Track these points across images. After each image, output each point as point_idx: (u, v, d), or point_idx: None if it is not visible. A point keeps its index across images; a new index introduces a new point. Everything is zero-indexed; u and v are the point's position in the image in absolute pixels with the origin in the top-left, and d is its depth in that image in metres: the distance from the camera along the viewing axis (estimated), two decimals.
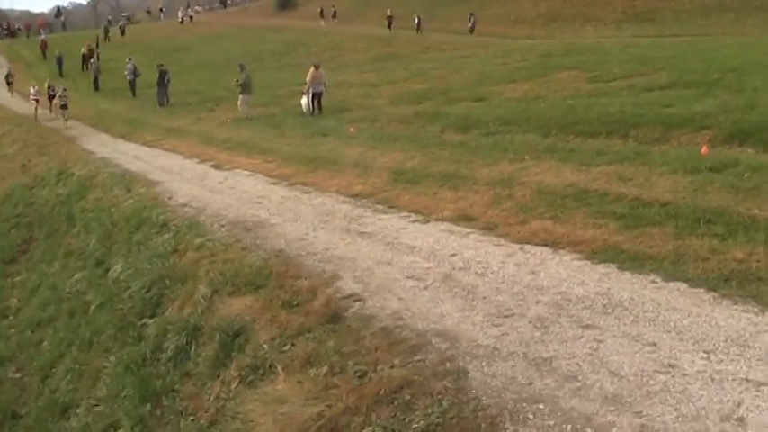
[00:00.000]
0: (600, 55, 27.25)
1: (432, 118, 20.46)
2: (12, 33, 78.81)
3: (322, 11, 62.95)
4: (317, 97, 25.53)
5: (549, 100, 20.10)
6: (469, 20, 51.07)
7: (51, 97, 33.70)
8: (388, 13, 55.59)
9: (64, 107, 30.95)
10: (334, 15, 61.39)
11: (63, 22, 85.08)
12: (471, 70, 29.50)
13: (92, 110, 33.20)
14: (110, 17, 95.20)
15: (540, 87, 22.50)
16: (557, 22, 50.67)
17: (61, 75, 48.51)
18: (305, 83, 25.81)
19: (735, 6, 44.34)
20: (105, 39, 61.88)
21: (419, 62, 35.49)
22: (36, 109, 33.88)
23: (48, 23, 79.83)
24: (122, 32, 68.18)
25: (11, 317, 14.66)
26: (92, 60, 48.02)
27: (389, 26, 54.56)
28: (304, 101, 25.76)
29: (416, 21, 52.57)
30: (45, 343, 12.44)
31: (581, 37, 42.15)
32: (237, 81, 26.88)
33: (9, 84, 43.80)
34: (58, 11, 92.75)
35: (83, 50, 50.98)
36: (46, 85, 35.11)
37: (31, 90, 34.92)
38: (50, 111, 33.67)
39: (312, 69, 25.55)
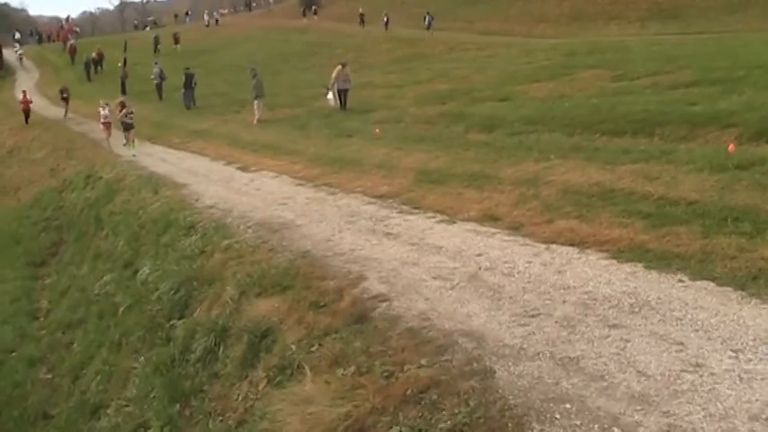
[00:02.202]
0: (624, 53, 27.10)
1: (456, 118, 20.47)
2: (40, 39, 79.52)
3: (362, 16, 59.77)
4: (342, 94, 26.53)
5: (574, 99, 20.04)
6: (425, 19, 51.81)
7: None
8: (360, 11, 59.08)
9: (129, 127, 23.97)
10: (362, 20, 59.31)
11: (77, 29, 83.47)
12: (495, 70, 29.47)
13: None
14: (153, 19, 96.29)
15: (564, 86, 22.44)
16: (580, 20, 50.42)
17: (89, 79, 49.08)
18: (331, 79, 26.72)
19: (760, 2, 43.89)
20: (155, 51, 56.43)
21: (443, 62, 35.48)
22: (108, 135, 26.39)
23: (75, 29, 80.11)
24: (176, 41, 59.85)
25: (41, 318, 14.87)
26: (98, 68, 49.18)
27: (362, 23, 58.01)
28: (330, 96, 26.74)
29: (385, 20, 54.84)
30: (75, 344, 12.60)
31: (605, 35, 41.95)
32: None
33: (64, 99, 36.84)
34: (67, 19, 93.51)
35: (92, 55, 51.51)
36: (118, 102, 26.12)
37: (101, 111, 27.04)
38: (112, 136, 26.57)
39: (339, 67, 26.78)
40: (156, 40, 58.58)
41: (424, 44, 44.93)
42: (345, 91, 26.70)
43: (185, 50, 55.28)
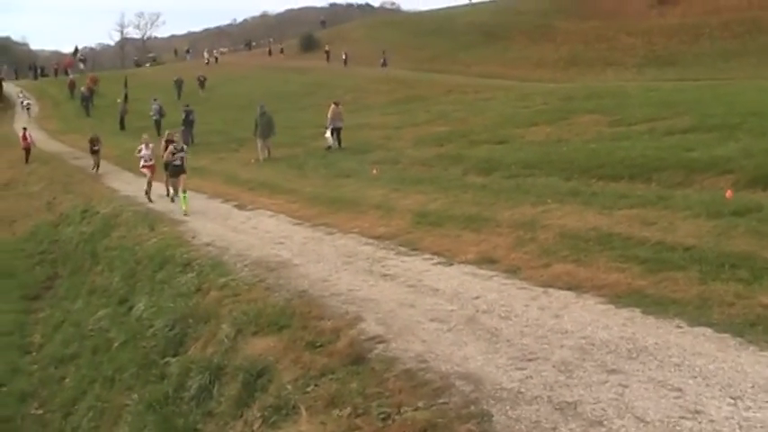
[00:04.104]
0: (621, 98, 27.30)
1: (454, 160, 20.56)
2: (42, 74, 79.77)
3: (328, 53, 68.62)
4: (336, 132, 27.38)
5: (571, 143, 20.14)
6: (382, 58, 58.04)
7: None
8: (326, 48, 68.29)
9: (177, 172, 18.36)
10: (345, 62, 63.72)
11: (83, 60, 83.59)
12: (493, 113, 29.66)
13: (117, 149, 33.48)
14: (153, 56, 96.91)
15: (561, 130, 22.56)
16: (578, 65, 50.98)
17: (88, 114, 49.09)
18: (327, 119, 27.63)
19: (756, 50, 44.47)
20: (178, 96, 51.17)
21: (441, 104, 35.72)
22: (150, 182, 20.61)
23: (75, 63, 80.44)
24: (201, 85, 56.50)
25: (34, 353, 14.76)
26: (86, 102, 49.33)
27: (327, 59, 65.85)
28: (328, 134, 27.48)
29: (344, 57, 61.65)
30: (67, 380, 12.51)
31: (602, 80, 42.33)
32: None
33: (95, 152, 29.78)
34: (76, 50, 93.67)
35: (81, 89, 51.46)
36: (163, 142, 21.57)
37: (143, 150, 21.37)
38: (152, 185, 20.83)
39: (333, 107, 27.84)
40: (179, 84, 54.55)
41: (423, 86, 45.23)
42: (339, 129, 27.55)
43: (185, 88, 54.80)
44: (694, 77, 37.79)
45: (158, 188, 20.24)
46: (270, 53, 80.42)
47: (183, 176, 18.10)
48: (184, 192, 17.81)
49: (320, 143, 27.63)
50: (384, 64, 57.67)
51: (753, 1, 53.25)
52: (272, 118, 28.00)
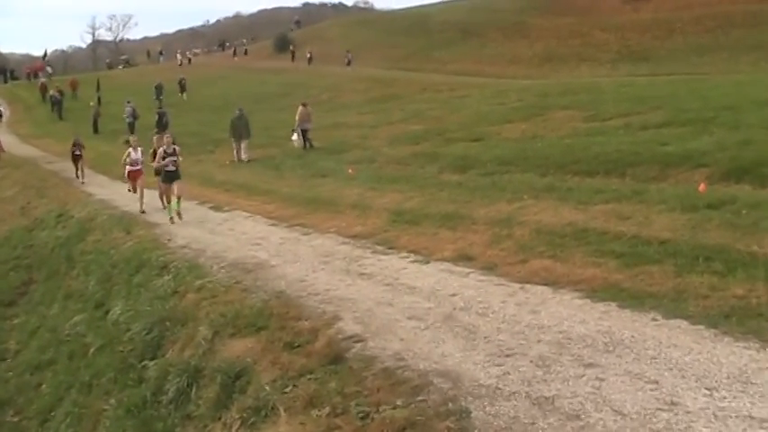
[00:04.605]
0: (596, 94, 27.40)
1: (430, 158, 20.57)
2: (13, 77, 78.81)
3: (293, 53, 69.96)
4: (305, 133, 27.37)
5: (547, 139, 20.21)
6: (346, 57, 58.58)
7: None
8: (291, 48, 70.37)
9: (171, 178, 16.59)
10: (309, 61, 64.47)
11: (49, 64, 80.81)
12: (468, 110, 29.67)
13: (91, 152, 33.14)
14: (126, 58, 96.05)
15: (537, 127, 22.62)
16: (552, 61, 51.16)
17: (60, 117, 48.63)
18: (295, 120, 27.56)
19: (729, 45, 44.81)
20: (158, 99, 48.35)
21: (416, 103, 35.68)
22: (141, 195, 18.49)
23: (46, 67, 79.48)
24: (182, 89, 53.20)
25: (9, 360, 14.59)
26: (55, 107, 48.26)
27: (292, 59, 67.48)
28: (295, 137, 27.51)
29: (308, 56, 63.69)
30: (44, 386, 12.37)
31: (577, 76, 42.50)
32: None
33: (76, 158, 26.82)
34: (45, 54, 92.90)
35: (51, 92, 50.97)
36: (156, 137, 20.28)
37: (132, 154, 18.88)
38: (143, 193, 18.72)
39: (301, 108, 27.85)
40: (159, 89, 50.83)
41: (399, 84, 45.19)
42: (307, 131, 27.57)
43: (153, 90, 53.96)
44: (668, 72, 38.02)
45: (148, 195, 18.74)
46: (234, 54, 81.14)
47: (177, 183, 16.34)
48: (178, 199, 16.20)
49: (295, 144, 27.60)
50: (349, 63, 58.35)
51: None
52: (249, 120, 27.88)
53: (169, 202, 16.75)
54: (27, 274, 19.83)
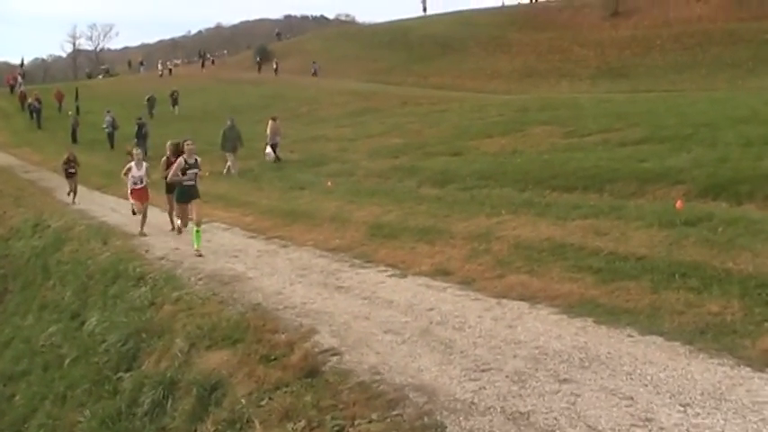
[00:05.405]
0: (575, 110, 27.52)
1: (409, 172, 20.57)
2: None
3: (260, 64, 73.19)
4: (274, 147, 27.51)
5: (526, 154, 20.25)
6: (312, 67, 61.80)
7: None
8: (257, 59, 73.93)
9: (190, 196, 13.95)
10: (276, 71, 66.29)
11: (21, 74, 78.88)
12: (447, 125, 29.72)
13: None
14: (106, 68, 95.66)
15: (516, 142, 22.67)
16: (532, 77, 51.40)
17: (39, 126, 48.26)
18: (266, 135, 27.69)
19: (706, 62, 45.22)
20: (150, 114, 46.50)
21: (396, 116, 35.71)
22: (144, 216, 16.60)
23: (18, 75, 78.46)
24: (174, 101, 50.80)
25: None
26: (34, 115, 47.49)
27: (259, 70, 69.96)
28: (268, 150, 27.50)
29: (275, 66, 65.92)
30: (18, 397, 12.27)
31: (556, 92, 42.71)
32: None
33: (70, 175, 24.00)
34: (22, 62, 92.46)
35: (29, 100, 50.56)
36: (170, 144, 16.80)
37: (135, 171, 16.74)
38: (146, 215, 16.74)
39: (271, 122, 27.86)
40: (152, 102, 48.96)
41: (378, 98, 45.26)
42: (276, 144, 27.73)
43: (139, 100, 53.30)
44: (647, 89, 38.32)
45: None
46: (203, 65, 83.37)
47: (196, 202, 13.76)
48: (198, 225, 13.47)
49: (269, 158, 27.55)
50: (315, 73, 60.49)
51: (702, 14, 54.22)
52: (240, 131, 27.68)
53: (185, 226, 14.52)
54: (2, 283, 19.69)
